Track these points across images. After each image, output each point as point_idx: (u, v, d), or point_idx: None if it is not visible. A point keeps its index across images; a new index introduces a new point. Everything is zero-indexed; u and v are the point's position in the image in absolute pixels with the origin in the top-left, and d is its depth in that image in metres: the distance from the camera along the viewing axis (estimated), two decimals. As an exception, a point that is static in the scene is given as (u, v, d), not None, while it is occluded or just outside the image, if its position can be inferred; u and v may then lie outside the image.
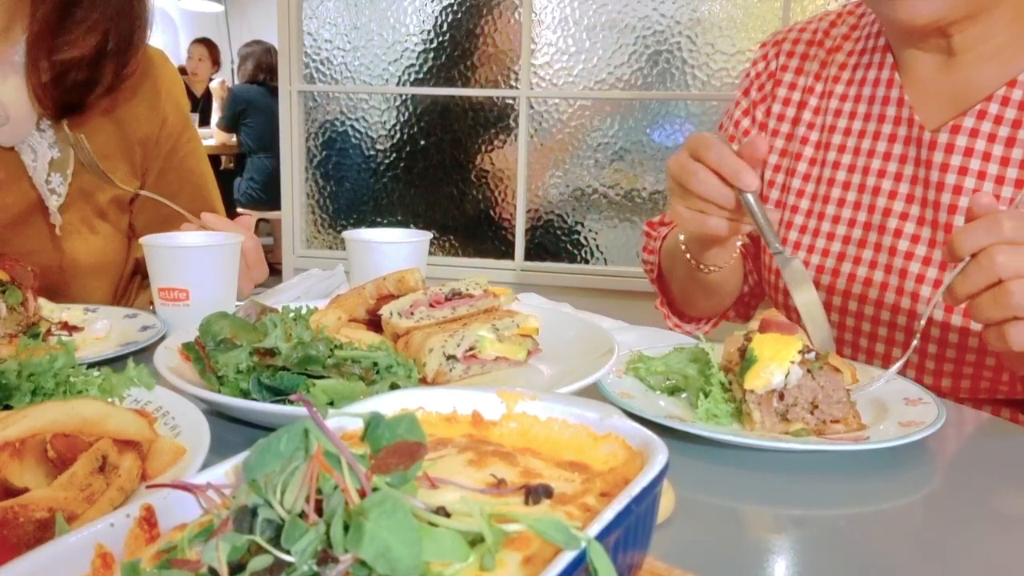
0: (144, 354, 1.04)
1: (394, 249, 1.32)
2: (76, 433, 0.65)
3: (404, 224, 4.09)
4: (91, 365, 0.85)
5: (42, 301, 1.18)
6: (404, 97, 3.99)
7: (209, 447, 0.72)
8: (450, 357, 1.00)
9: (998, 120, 1.17)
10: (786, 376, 0.87)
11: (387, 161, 4.08)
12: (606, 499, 0.44)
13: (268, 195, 5.93)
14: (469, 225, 4.04)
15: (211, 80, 7.40)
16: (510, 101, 3.86)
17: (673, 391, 0.99)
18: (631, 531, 0.43)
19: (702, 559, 0.64)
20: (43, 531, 0.54)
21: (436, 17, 3.89)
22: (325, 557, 0.37)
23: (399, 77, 3.98)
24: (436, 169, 4.03)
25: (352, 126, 4.09)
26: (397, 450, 0.44)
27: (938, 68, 1.23)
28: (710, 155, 1.11)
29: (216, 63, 7.42)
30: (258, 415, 0.84)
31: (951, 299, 0.92)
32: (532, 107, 3.83)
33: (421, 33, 3.92)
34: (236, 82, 6.76)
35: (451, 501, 0.41)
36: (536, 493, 0.44)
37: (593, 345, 1.04)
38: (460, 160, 3.99)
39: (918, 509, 0.78)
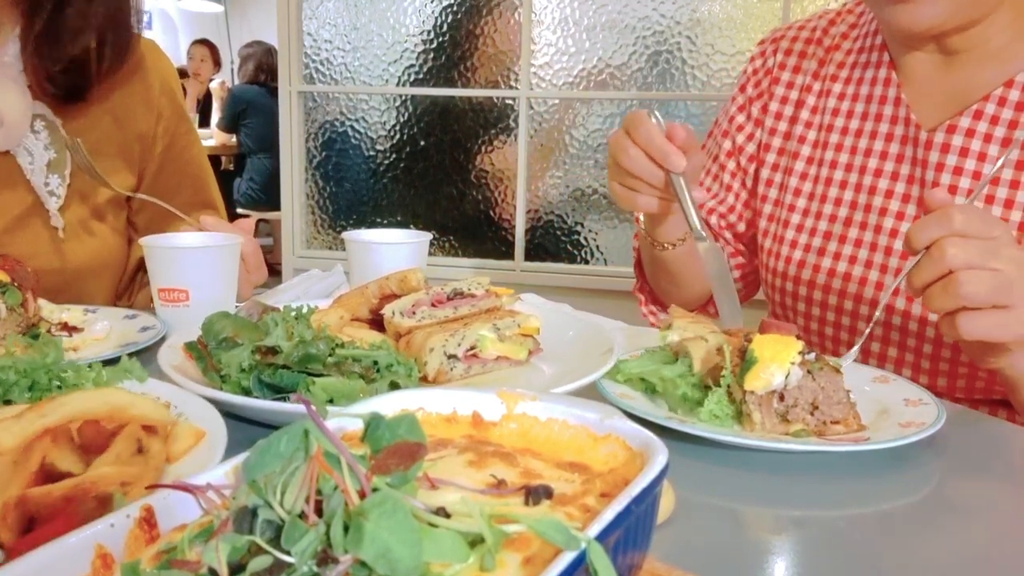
0: (144, 354, 1.04)
1: (394, 250, 1.32)
2: (105, 419, 0.69)
3: (404, 224, 4.09)
4: (91, 365, 0.86)
5: (42, 302, 1.18)
6: (404, 97, 4.00)
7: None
8: (451, 356, 1.01)
9: (994, 120, 1.17)
10: (786, 377, 0.87)
11: (387, 162, 4.08)
12: (606, 500, 0.44)
13: (268, 196, 5.94)
14: (469, 225, 4.04)
15: (211, 81, 7.41)
16: (510, 101, 3.86)
17: (653, 391, 0.98)
18: (631, 532, 0.43)
19: (702, 559, 0.64)
20: (102, 507, 0.56)
21: (436, 17, 3.89)
22: (325, 558, 0.37)
23: (399, 77, 3.98)
24: (436, 169, 4.03)
25: (352, 127, 4.09)
26: (397, 451, 0.44)
27: (936, 67, 1.23)
28: (639, 134, 1.17)
29: (217, 64, 7.43)
30: (258, 412, 0.85)
31: (910, 290, 0.95)
32: (532, 107, 3.83)
33: (421, 33, 3.93)
34: (236, 83, 6.76)
35: (451, 502, 0.41)
36: (536, 494, 0.44)
37: (593, 344, 1.05)
38: (460, 160, 3.99)
39: (918, 509, 0.78)
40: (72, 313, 1.22)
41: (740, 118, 1.45)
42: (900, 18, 1.12)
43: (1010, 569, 0.67)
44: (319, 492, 0.40)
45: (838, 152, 1.33)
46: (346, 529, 0.38)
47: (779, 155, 1.40)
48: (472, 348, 1.02)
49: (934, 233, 0.91)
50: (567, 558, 0.37)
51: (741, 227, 1.47)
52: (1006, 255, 0.90)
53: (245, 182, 6.21)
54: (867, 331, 1.05)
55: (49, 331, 1.14)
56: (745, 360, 0.89)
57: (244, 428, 0.85)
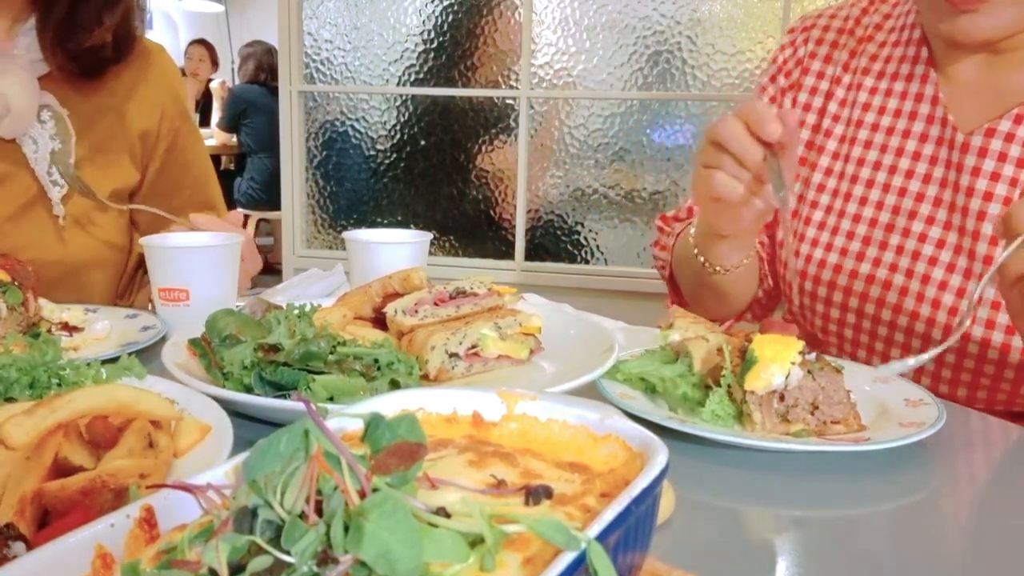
0: (145, 354, 1.04)
1: (394, 250, 1.32)
2: (114, 414, 0.70)
3: (404, 224, 4.09)
4: (90, 364, 0.86)
5: (42, 301, 1.18)
6: (404, 97, 4.00)
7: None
8: (452, 355, 1.01)
9: None
10: (787, 377, 0.87)
11: (387, 161, 4.09)
12: (606, 500, 0.44)
13: (268, 195, 5.94)
14: (469, 225, 4.04)
15: (210, 81, 7.41)
16: (510, 101, 3.86)
17: (653, 391, 0.98)
18: (631, 532, 0.43)
19: (702, 559, 0.64)
20: (119, 500, 0.57)
21: (436, 17, 3.89)
22: (325, 558, 0.37)
23: (399, 77, 3.98)
24: (436, 169, 4.03)
25: (352, 126, 4.09)
26: (397, 451, 0.44)
27: (978, 67, 1.18)
28: (744, 108, 1.06)
29: (215, 64, 7.42)
30: (259, 410, 0.85)
31: (1002, 279, 0.88)
32: (532, 107, 3.83)
33: (421, 33, 3.93)
34: (236, 82, 6.76)
35: (451, 502, 0.41)
36: (536, 494, 0.44)
37: (594, 343, 1.05)
38: (460, 160, 3.99)
39: (918, 510, 0.78)
40: (72, 313, 1.22)
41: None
42: (961, 29, 1.08)
43: (1010, 569, 0.67)
44: (319, 492, 0.40)
45: (866, 149, 1.27)
46: (346, 529, 0.38)
47: (807, 149, 1.33)
48: (474, 347, 1.02)
49: None
50: (567, 558, 0.37)
51: (767, 217, 1.43)
52: None
53: (245, 182, 6.21)
54: (949, 342, 0.99)
55: (49, 331, 1.14)
56: (745, 360, 0.88)
57: (246, 425, 0.85)
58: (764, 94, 1.40)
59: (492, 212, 4.01)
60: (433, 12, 3.89)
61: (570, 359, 1.04)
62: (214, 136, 6.58)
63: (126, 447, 0.67)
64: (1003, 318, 1.12)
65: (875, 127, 1.27)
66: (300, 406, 0.42)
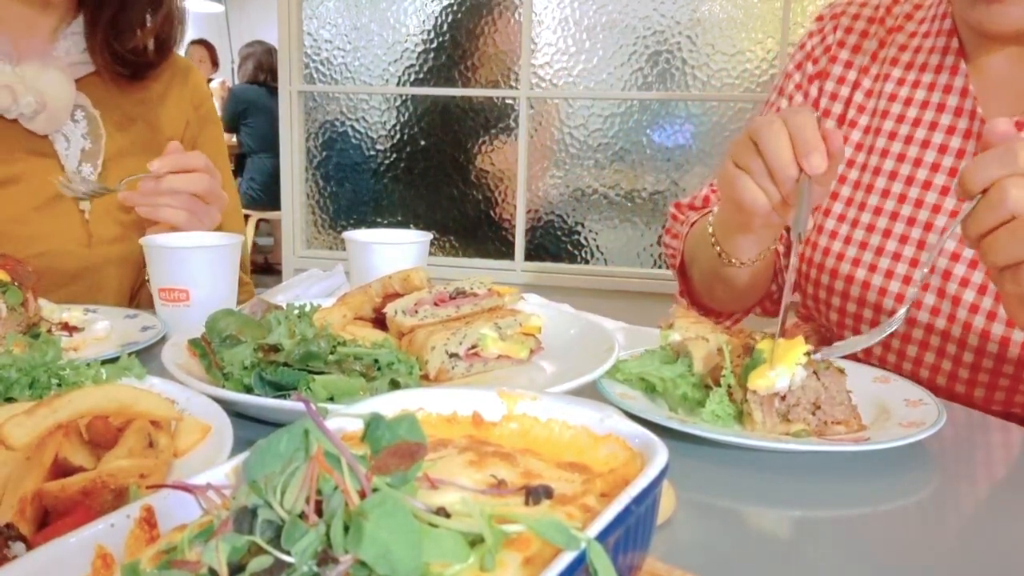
0: (145, 354, 1.04)
1: (394, 250, 1.32)
2: (114, 415, 0.70)
3: (404, 224, 4.10)
4: (89, 364, 0.86)
5: (42, 301, 1.18)
6: (404, 97, 4.00)
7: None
8: (452, 355, 1.01)
9: None
10: (791, 379, 0.87)
11: (387, 161, 4.09)
12: (606, 500, 0.44)
13: (268, 195, 5.94)
14: (469, 225, 4.04)
15: (210, 81, 7.40)
16: (510, 101, 3.86)
17: (653, 391, 0.98)
18: (631, 532, 0.43)
19: (702, 559, 0.64)
20: (119, 500, 0.58)
21: (436, 17, 3.89)
22: (325, 558, 0.37)
23: (399, 77, 3.98)
24: (436, 169, 4.03)
25: (352, 126, 4.09)
26: (397, 451, 0.44)
27: (1009, 60, 1.15)
28: (794, 119, 0.99)
29: (215, 64, 7.43)
30: (259, 410, 0.85)
31: (966, 240, 0.85)
32: (532, 107, 3.83)
33: (421, 33, 3.93)
34: (236, 82, 6.76)
35: (451, 502, 0.41)
36: (536, 494, 0.44)
37: (594, 343, 1.05)
38: (460, 160, 3.99)
39: (918, 510, 0.78)
40: (72, 313, 1.22)
41: (798, 98, 1.35)
42: (992, 19, 1.07)
43: (1010, 569, 0.67)
44: (319, 492, 0.40)
45: (891, 140, 1.24)
46: (346, 529, 0.38)
47: None
48: (474, 347, 1.03)
49: (994, 172, 0.80)
50: (567, 558, 0.37)
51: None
52: None
53: (245, 182, 6.21)
54: (918, 276, 0.94)
55: (49, 331, 1.15)
56: (752, 358, 0.88)
57: (246, 425, 0.85)
58: (789, 80, 1.37)
59: (492, 212, 4.01)
60: (433, 12, 3.89)
61: (570, 359, 1.04)
62: (214, 136, 6.57)
63: (126, 447, 0.67)
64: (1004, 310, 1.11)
65: (901, 118, 1.24)
66: (300, 406, 0.42)
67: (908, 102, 1.24)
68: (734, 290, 1.32)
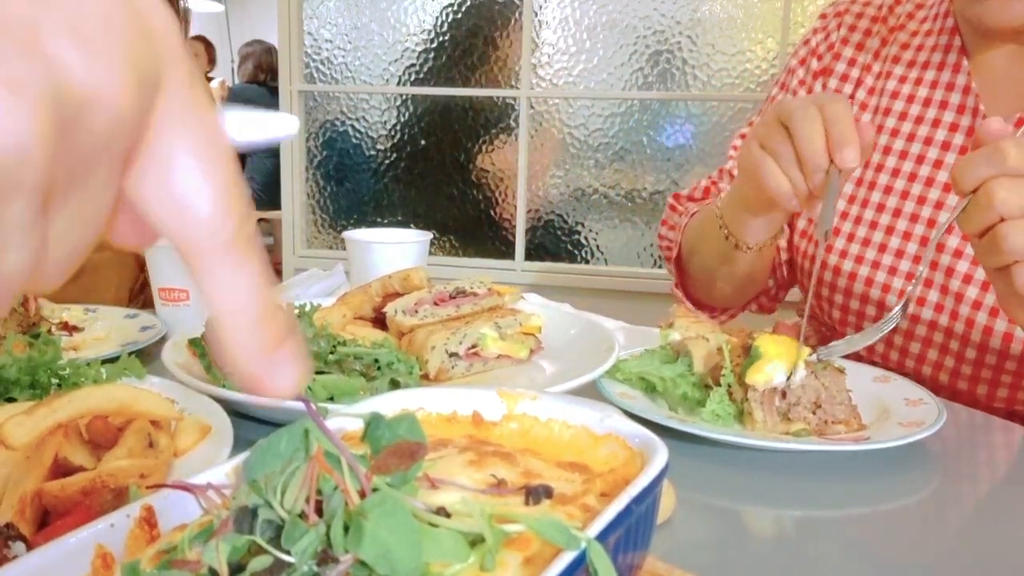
0: (145, 354, 1.04)
1: (394, 249, 1.32)
2: (114, 414, 0.70)
3: (404, 224, 4.09)
4: (90, 364, 0.86)
5: (42, 301, 1.18)
6: (404, 97, 4.00)
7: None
8: (452, 354, 1.01)
9: None
10: (789, 377, 0.87)
11: (387, 161, 4.09)
12: (606, 499, 0.44)
13: (268, 195, 5.93)
14: (469, 225, 4.04)
15: (211, 80, 7.40)
16: (510, 101, 3.86)
17: (653, 391, 0.98)
18: (631, 531, 0.43)
19: (702, 559, 0.64)
20: (119, 500, 0.58)
21: (436, 17, 3.89)
22: (325, 557, 0.37)
23: (399, 77, 3.98)
24: (436, 169, 4.03)
25: (352, 126, 4.09)
26: (397, 450, 0.44)
27: (1012, 57, 1.16)
28: (830, 106, 0.95)
29: (212, 61, 7.41)
30: (259, 409, 0.85)
31: (982, 263, 0.86)
32: (532, 107, 3.83)
33: (421, 33, 3.93)
34: (236, 82, 6.76)
35: (451, 501, 0.41)
36: (536, 493, 0.44)
37: (594, 342, 1.05)
38: (460, 160, 3.99)
39: (918, 509, 0.78)
40: (72, 313, 1.22)
41: (802, 93, 1.35)
42: (991, 15, 1.07)
43: (1010, 569, 0.67)
44: (319, 492, 0.40)
45: (893, 138, 1.24)
46: (346, 529, 0.38)
47: None
48: (474, 346, 1.03)
49: (982, 172, 0.80)
50: (567, 558, 0.37)
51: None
52: None
53: (245, 181, 6.19)
54: (921, 272, 0.92)
55: (49, 331, 1.15)
56: (749, 355, 0.88)
57: (246, 425, 0.85)
58: (792, 76, 1.37)
59: (492, 212, 4.01)
60: (433, 12, 3.89)
61: (570, 359, 1.04)
62: (214, 136, 6.56)
63: (126, 447, 0.67)
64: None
65: (903, 116, 1.24)
66: (300, 406, 0.42)
67: (911, 99, 1.24)
68: (735, 279, 1.30)
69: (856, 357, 1.14)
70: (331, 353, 0.89)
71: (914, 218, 1.20)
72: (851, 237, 1.25)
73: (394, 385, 0.88)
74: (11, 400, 0.77)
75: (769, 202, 1.06)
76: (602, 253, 3.90)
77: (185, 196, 0.31)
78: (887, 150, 1.25)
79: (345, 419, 0.50)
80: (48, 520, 0.59)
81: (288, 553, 0.37)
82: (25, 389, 0.79)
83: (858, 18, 1.34)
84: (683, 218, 1.39)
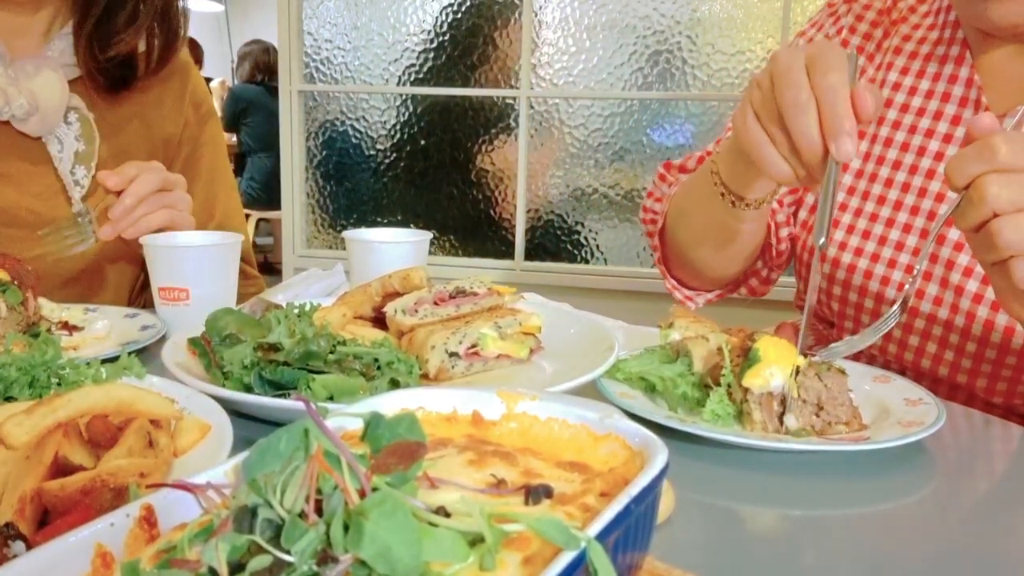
0: (145, 353, 1.04)
1: (394, 249, 1.32)
2: (114, 413, 0.70)
3: (404, 224, 4.10)
4: (89, 363, 0.86)
5: (42, 301, 1.18)
6: (404, 97, 4.00)
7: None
8: (452, 354, 1.01)
9: None
10: (784, 385, 0.87)
11: (387, 161, 4.09)
12: (606, 499, 0.44)
13: (268, 195, 5.94)
14: (469, 225, 4.04)
15: (208, 80, 7.40)
16: (510, 101, 3.86)
17: (652, 391, 0.98)
18: (631, 531, 0.43)
19: (702, 559, 0.64)
20: (119, 499, 0.58)
21: (436, 17, 3.89)
22: (325, 557, 0.37)
23: (399, 77, 3.98)
24: (436, 169, 4.03)
25: (352, 126, 4.09)
26: (397, 450, 0.44)
27: (1013, 50, 1.15)
28: (824, 77, 0.88)
29: (199, 62, 7.39)
30: (259, 409, 0.85)
31: (977, 257, 0.86)
32: (532, 107, 3.83)
33: (421, 33, 3.93)
34: (235, 82, 6.76)
35: (451, 501, 0.41)
36: (536, 493, 0.44)
37: (594, 342, 1.05)
38: (460, 160, 3.99)
39: (918, 509, 0.78)
40: (72, 312, 1.22)
41: None
42: (991, 16, 1.07)
43: (1010, 568, 0.67)
44: (319, 491, 0.40)
45: (895, 130, 1.24)
46: (346, 528, 0.38)
47: None
48: (473, 346, 1.02)
49: (974, 169, 0.80)
50: (567, 558, 0.37)
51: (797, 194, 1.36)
52: None
53: (245, 181, 6.21)
54: (919, 268, 0.91)
55: (49, 330, 1.14)
56: (748, 357, 0.88)
57: (246, 425, 0.85)
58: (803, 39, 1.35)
59: (492, 212, 4.01)
60: (433, 12, 3.89)
61: (570, 358, 1.04)
62: (214, 136, 6.57)
63: (126, 446, 0.67)
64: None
65: (904, 108, 1.24)
66: (300, 406, 0.42)
67: (912, 91, 1.24)
68: (725, 246, 1.25)
69: (855, 353, 1.14)
70: (331, 353, 0.89)
71: (915, 211, 1.20)
72: (851, 229, 1.24)
73: (394, 385, 0.88)
74: (11, 400, 0.77)
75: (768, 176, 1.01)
76: (602, 253, 3.90)
77: None
78: (888, 142, 1.24)
79: (345, 419, 0.50)
80: (48, 520, 0.59)
81: (288, 553, 0.37)
82: (25, 389, 0.79)
83: (866, 8, 1.34)
84: (671, 188, 1.35)
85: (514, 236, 3.95)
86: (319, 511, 0.39)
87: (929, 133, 1.21)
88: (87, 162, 1.47)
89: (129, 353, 0.88)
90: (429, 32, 3.91)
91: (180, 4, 1.53)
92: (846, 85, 0.88)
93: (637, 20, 3.67)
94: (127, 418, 0.71)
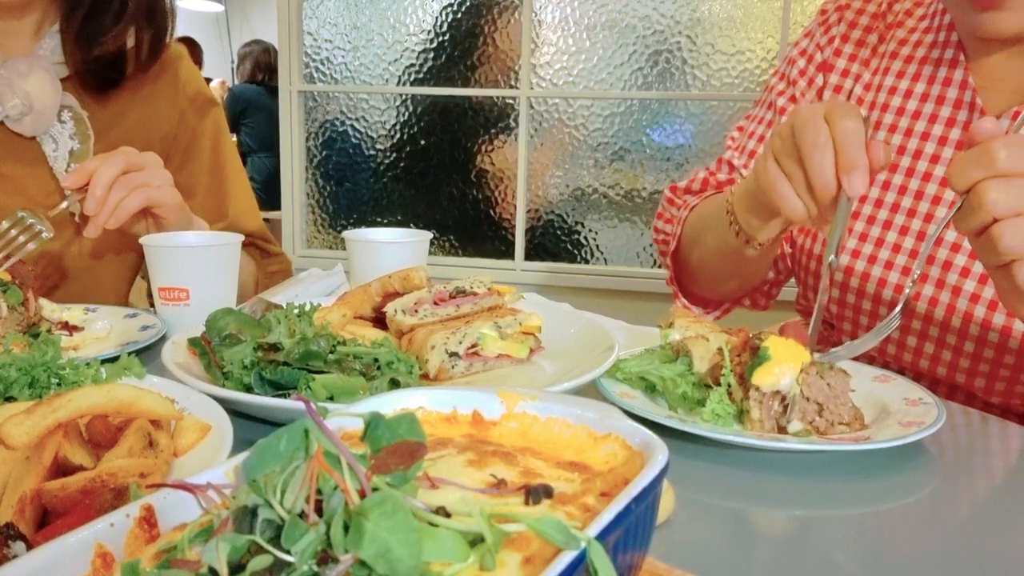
0: (145, 353, 1.04)
1: (394, 249, 1.32)
2: (114, 414, 0.70)
3: (404, 224, 4.10)
4: (89, 363, 0.86)
5: (42, 301, 1.18)
6: (404, 97, 4.00)
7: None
8: (453, 354, 1.01)
9: None
10: (792, 386, 0.87)
11: (387, 161, 4.09)
12: (606, 499, 0.44)
13: (268, 195, 5.93)
14: (469, 225, 4.04)
15: (208, 80, 7.39)
16: (510, 101, 3.86)
17: (652, 390, 0.98)
18: (631, 531, 0.43)
19: (702, 559, 0.64)
20: (119, 499, 0.57)
21: (436, 17, 3.89)
22: (325, 557, 0.37)
23: (399, 77, 3.98)
24: (436, 169, 4.03)
25: (352, 126, 4.09)
26: (397, 450, 0.44)
27: (1009, 55, 1.16)
28: (840, 124, 0.92)
29: (199, 63, 7.39)
30: (259, 409, 0.85)
31: (983, 259, 0.87)
32: (532, 107, 3.83)
33: (421, 33, 3.93)
34: (236, 82, 6.76)
35: (451, 501, 0.41)
36: (536, 493, 0.44)
37: (594, 342, 1.05)
38: (460, 160, 3.99)
39: (918, 509, 0.78)
40: (72, 312, 1.22)
41: (802, 84, 1.36)
42: (985, 26, 1.08)
43: (1010, 568, 0.67)
44: (319, 492, 0.40)
45: (891, 133, 1.24)
46: (346, 529, 0.38)
47: None
48: (474, 346, 1.02)
49: (974, 174, 0.80)
50: (567, 558, 0.37)
51: None
52: None
53: (245, 181, 6.20)
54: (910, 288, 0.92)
55: (49, 331, 1.14)
56: (758, 356, 0.88)
57: (246, 425, 0.85)
58: (793, 66, 1.38)
59: (492, 212, 4.01)
60: (433, 12, 3.89)
61: (570, 358, 1.04)
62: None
63: (126, 447, 0.67)
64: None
65: (901, 111, 1.25)
66: (300, 406, 0.42)
67: (908, 95, 1.25)
68: (737, 273, 1.30)
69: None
70: (331, 353, 0.89)
71: (911, 213, 1.20)
72: (848, 232, 1.25)
73: (394, 385, 0.88)
74: (11, 399, 0.77)
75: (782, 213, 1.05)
76: (602, 253, 3.90)
77: None
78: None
79: (345, 419, 0.50)
80: (48, 520, 0.59)
81: (288, 553, 0.37)
82: (25, 389, 0.79)
83: (859, 14, 1.35)
84: (681, 211, 1.39)
85: (514, 236, 3.95)
86: (319, 511, 0.39)
87: (924, 136, 1.22)
88: (83, 160, 1.45)
89: (129, 353, 0.88)
90: (429, 32, 3.91)
91: (167, 1, 1.51)
92: (862, 131, 0.92)
93: (637, 20, 3.67)
94: (127, 418, 0.71)
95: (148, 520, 0.44)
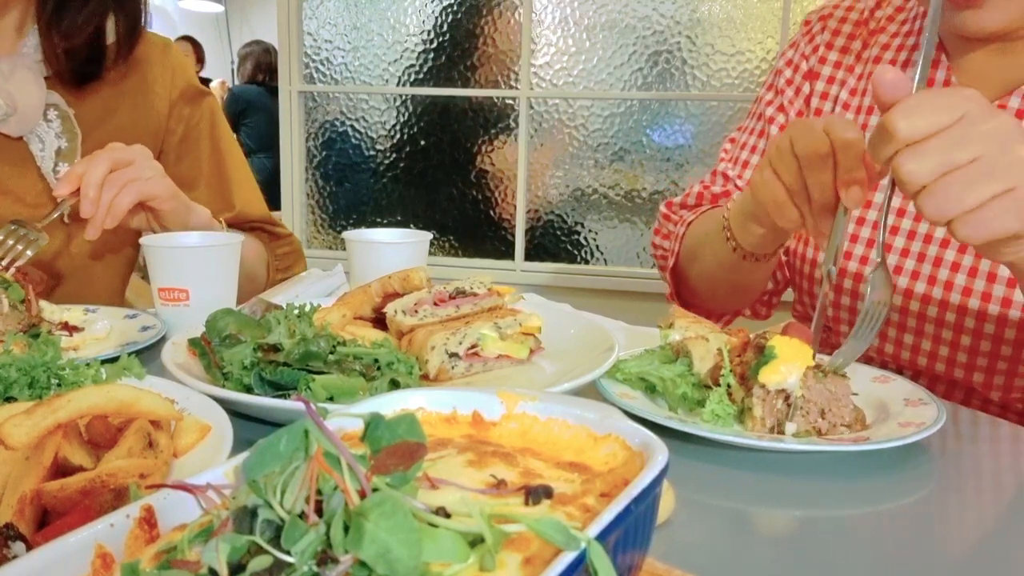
0: (145, 353, 1.04)
1: (394, 249, 1.32)
2: (113, 414, 0.70)
3: (404, 224, 4.10)
4: (89, 364, 0.86)
5: (43, 303, 1.18)
6: (404, 97, 4.00)
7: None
8: (452, 355, 1.01)
9: None
10: (797, 386, 0.87)
11: (387, 161, 4.09)
12: (606, 500, 0.44)
13: (268, 195, 5.90)
14: (469, 225, 4.04)
15: (207, 82, 7.39)
16: (510, 101, 3.86)
17: (652, 391, 0.98)
18: (631, 531, 0.43)
19: (702, 559, 0.64)
20: (119, 500, 0.57)
21: (436, 17, 3.89)
22: (325, 558, 0.37)
23: (399, 77, 3.98)
24: (436, 169, 4.03)
25: (352, 126, 4.09)
26: (397, 451, 0.44)
27: (989, 54, 1.17)
28: (841, 137, 0.94)
29: (200, 61, 7.38)
30: (259, 410, 0.85)
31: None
32: (532, 107, 3.83)
33: (421, 33, 3.93)
34: (236, 82, 6.76)
35: (451, 502, 0.41)
36: (536, 494, 0.44)
37: (594, 343, 1.05)
38: (460, 160, 3.99)
39: (918, 509, 0.78)
40: (72, 313, 1.22)
41: (789, 93, 1.38)
42: (966, 24, 1.08)
43: (1010, 568, 0.67)
44: (319, 492, 0.40)
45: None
46: (346, 529, 0.38)
47: None
48: (473, 346, 1.02)
49: (885, 152, 0.80)
50: (567, 558, 0.37)
51: None
52: (977, 135, 0.78)
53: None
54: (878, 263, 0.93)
55: (50, 331, 1.14)
56: (764, 354, 0.88)
57: (246, 425, 0.85)
58: (780, 76, 1.40)
59: (492, 212, 4.01)
60: (433, 12, 3.89)
61: (570, 359, 1.04)
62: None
63: (126, 447, 0.67)
64: (999, 290, 1.11)
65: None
66: (300, 406, 0.42)
67: None
68: (737, 287, 1.32)
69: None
70: (331, 353, 0.89)
71: (900, 213, 1.22)
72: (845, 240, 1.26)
73: (394, 385, 0.88)
74: (11, 400, 0.77)
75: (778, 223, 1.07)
76: (602, 253, 3.90)
77: None
78: None
79: (345, 419, 0.50)
80: (48, 520, 0.59)
81: (288, 553, 0.37)
82: (25, 389, 0.79)
83: (841, 23, 1.37)
84: (678, 227, 1.41)
85: (514, 236, 3.95)
86: (319, 512, 0.39)
87: None
88: (71, 159, 1.44)
89: (129, 354, 0.88)
90: (429, 32, 3.92)
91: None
92: (861, 143, 0.93)
93: (637, 20, 3.67)
94: (127, 419, 0.71)
95: (148, 521, 0.44)
